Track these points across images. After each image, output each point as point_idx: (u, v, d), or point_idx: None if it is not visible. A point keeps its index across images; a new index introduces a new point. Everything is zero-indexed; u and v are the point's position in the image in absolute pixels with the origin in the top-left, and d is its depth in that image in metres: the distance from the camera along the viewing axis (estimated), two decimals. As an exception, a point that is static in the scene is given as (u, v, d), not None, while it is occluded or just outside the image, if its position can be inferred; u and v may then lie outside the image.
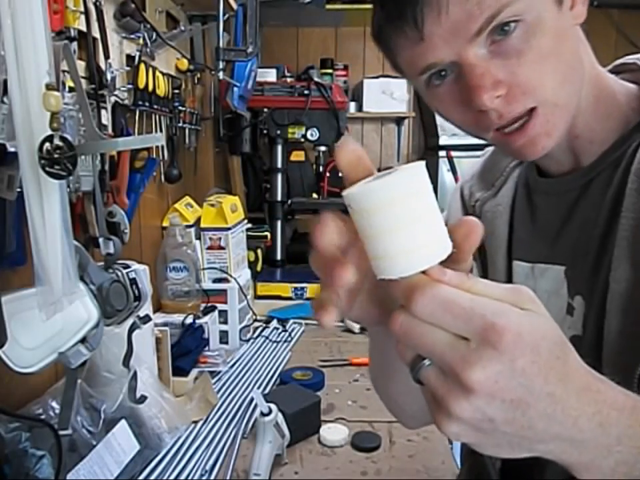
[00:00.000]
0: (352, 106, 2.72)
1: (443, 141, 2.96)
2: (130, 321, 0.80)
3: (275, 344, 1.67)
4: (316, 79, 2.20)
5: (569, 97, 0.55)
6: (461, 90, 0.54)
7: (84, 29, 1.04)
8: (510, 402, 0.34)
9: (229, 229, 1.67)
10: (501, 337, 0.33)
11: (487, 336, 0.33)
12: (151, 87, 1.37)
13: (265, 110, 2.16)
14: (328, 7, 2.50)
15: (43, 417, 0.83)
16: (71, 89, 0.83)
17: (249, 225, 1.94)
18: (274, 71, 2.50)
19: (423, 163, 0.36)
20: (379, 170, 0.42)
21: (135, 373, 0.86)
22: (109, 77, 1.12)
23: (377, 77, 2.76)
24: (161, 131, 1.51)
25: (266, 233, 2.11)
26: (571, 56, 0.55)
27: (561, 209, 0.63)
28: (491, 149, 0.77)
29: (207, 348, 1.46)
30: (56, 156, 0.53)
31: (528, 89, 0.53)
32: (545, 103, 0.54)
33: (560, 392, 0.35)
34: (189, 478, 0.98)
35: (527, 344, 0.34)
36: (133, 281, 0.76)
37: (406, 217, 0.35)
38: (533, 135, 0.55)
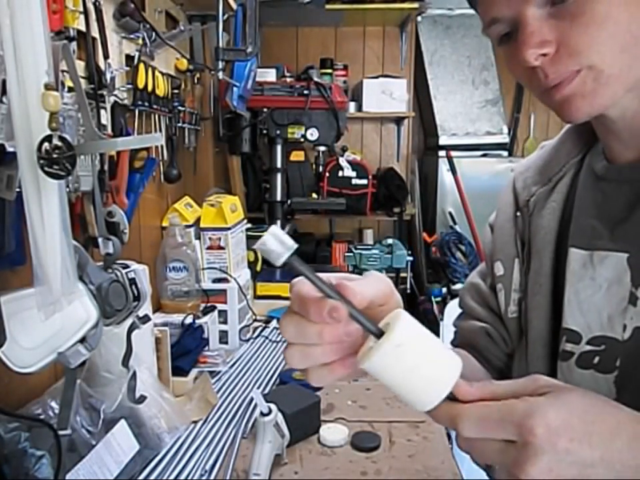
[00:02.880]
0: (352, 106, 2.73)
1: (442, 141, 2.97)
2: (129, 321, 0.80)
3: (274, 344, 1.66)
4: (315, 79, 2.20)
5: (627, 67, 0.54)
6: (515, 47, 0.56)
7: (83, 28, 1.03)
8: None
9: (228, 228, 1.67)
10: (534, 433, 0.39)
11: (524, 437, 0.39)
12: (150, 87, 1.37)
13: (265, 110, 2.16)
14: (328, 6, 2.51)
15: (42, 416, 0.83)
16: (70, 89, 0.83)
17: (249, 225, 1.94)
18: (273, 70, 2.50)
19: (399, 311, 0.43)
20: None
21: (135, 373, 0.86)
22: (108, 76, 1.12)
23: (376, 77, 2.77)
24: (161, 130, 1.51)
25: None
26: (637, 26, 0.53)
27: (630, 196, 0.61)
28: (551, 142, 0.75)
29: (206, 348, 1.46)
30: (55, 156, 0.53)
31: (575, 52, 0.53)
32: (591, 68, 0.54)
33: (610, 452, 0.39)
34: (189, 478, 0.98)
35: (558, 427, 0.39)
36: (132, 281, 0.76)
37: (414, 363, 0.41)
38: (567, 94, 0.55)
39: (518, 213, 0.72)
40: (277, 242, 0.42)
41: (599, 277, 0.62)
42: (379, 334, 0.42)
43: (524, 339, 0.69)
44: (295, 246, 0.42)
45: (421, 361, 0.41)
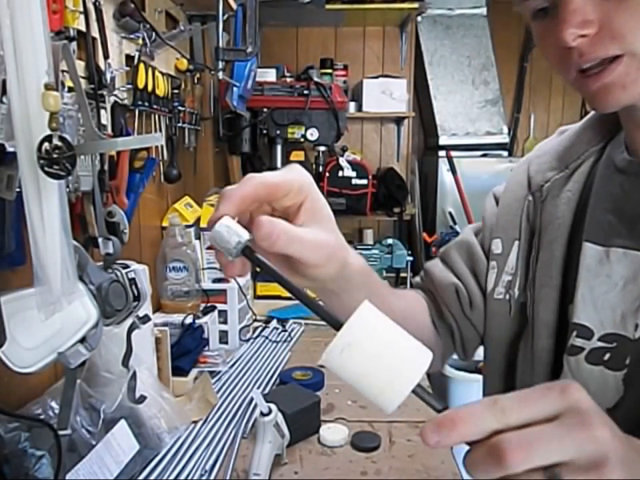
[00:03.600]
0: (351, 106, 2.72)
1: (442, 141, 2.96)
2: (129, 321, 0.80)
3: (274, 344, 1.66)
4: (315, 79, 2.20)
5: None
6: (554, 24, 0.52)
7: (83, 28, 1.03)
8: None
9: (228, 228, 1.67)
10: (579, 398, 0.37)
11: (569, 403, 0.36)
12: (150, 87, 1.37)
13: (265, 110, 2.16)
14: (328, 6, 2.51)
15: (42, 416, 0.83)
16: (70, 89, 0.83)
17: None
18: (273, 70, 2.50)
19: (363, 303, 0.41)
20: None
21: (135, 373, 0.86)
22: (108, 76, 1.12)
23: (376, 77, 2.77)
24: (161, 130, 1.51)
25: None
26: None
27: None
28: (572, 128, 0.72)
29: (206, 348, 1.46)
30: (55, 156, 0.53)
31: (618, 35, 0.50)
32: (633, 54, 0.51)
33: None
34: (189, 478, 0.98)
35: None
36: (132, 281, 0.76)
37: (369, 358, 0.38)
38: (607, 82, 0.52)
39: (530, 197, 0.70)
40: (228, 234, 0.41)
41: (614, 275, 0.60)
42: (338, 327, 0.40)
43: (529, 328, 0.68)
44: (247, 237, 0.42)
45: (377, 356, 0.38)
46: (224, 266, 0.45)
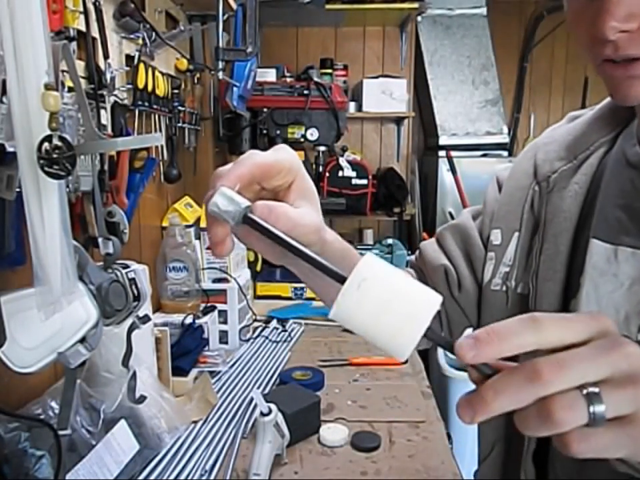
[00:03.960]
0: (351, 106, 2.72)
1: (442, 141, 2.96)
2: (129, 321, 0.80)
3: (274, 344, 1.66)
4: (315, 79, 2.20)
5: None
6: (593, 9, 0.49)
7: (83, 28, 1.03)
8: None
9: (228, 228, 1.67)
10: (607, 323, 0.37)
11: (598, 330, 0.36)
12: (150, 87, 1.37)
13: (265, 110, 2.16)
14: (328, 6, 2.51)
15: (42, 416, 0.83)
16: (70, 89, 0.83)
17: (249, 225, 1.94)
18: (273, 70, 2.50)
19: (368, 256, 0.40)
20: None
21: (135, 373, 0.86)
22: (108, 76, 1.12)
23: (376, 77, 2.77)
24: (161, 130, 1.51)
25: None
26: None
27: None
28: (583, 116, 0.69)
29: (206, 348, 1.46)
30: (55, 156, 0.52)
31: None
32: None
33: None
34: (189, 478, 0.98)
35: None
36: (132, 281, 0.76)
37: (381, 301, 0.38)
38: (634, 75, 0.50)
39: (536, 187, 0.68)
40: (229, 201, 0.41)
41: (621, 274, 0.59)
42: (343, 281, 0.39)
43: None
44: (248, 203, 0.42)
45: (388, 298, 0.38)
46: (213, 243, 0.44)
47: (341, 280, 0.39)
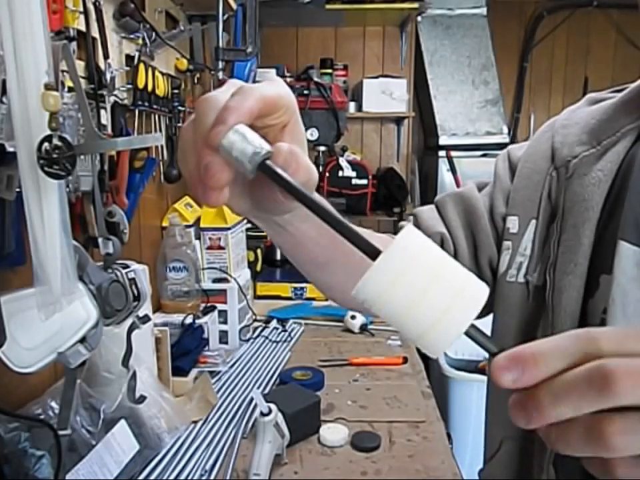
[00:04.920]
0: (351, 106, 2.72)
1: (442, 140, 2.96)
2: (129, 321, 0.80)
3: (274, 344, 1.66)
4: (315, 79, 2.20)
5: None
6: None
7: (83, 28, 1.04)
8: None
9: (228, 228, 1.67)
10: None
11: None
12: (150, 87, 1.37)
13: (265, 110, 2.16)
14: (328, 6, 2.51)
15: (42, 416, 0.83)
16: (70, 89, 0.83)
17: (249, 225, 1.94)
18: (273, 71, 2.50)
19: (404, 225, 0.34)
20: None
21: (134, 373, 0.86)
22: (108, 76, 1.12)
23: (376, 77, 2.77)
24: (161, 130, 1.51)
25: (265, 233, 2.11)
26: None
27: None
28: (607, 100, 0.64)
29: (206, 348, 1.46)
30: (55, 156, 0.53)
31: None
32: None
33: None
34: (189, 478, 0.98)
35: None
36: (132, 281, 0.76)
37: (424, 283, 0.32)
38: None
39: (553, 173, 0.63)
40: (247, 143, 0.35)
41: None
42: (375, 254, 0.33)
43: (549, 317, 0.62)
44: (269, 147, 0.35)
45: (429, 281, 0.32)
46: (211, 188, 0.36)
47: (374, 253, 0.33)
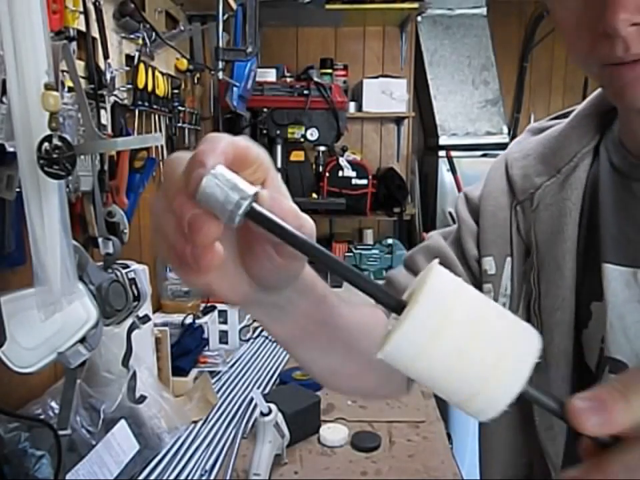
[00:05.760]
0: (351, 106, 2.72)
1: (442, 141, 2.96)
2: (129, 321, 0.80)
3: (274, 344, 1.66)
4: (315, 79, 2.20)
5: None
6: (593, 2, 0.42)
7: (83, 28, 1.03)
8: None
9: (228, 228, 1.67)
10: None
11: None
12: (150, 87, 1.37)
13: (265, 110, 2.16)
14: (328, 6, 2.50)
15: (42, 416, 0.83)
16: (70, 89, 0.83)
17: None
18: (273, 70, 2.50)
19: (432, 266, 0.29)
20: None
21: (135, 373, 0.86)
22: (108, 76, 1.12)
23: (376, 77, 2.77)
24: (161, 130, 1.51)
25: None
26: None
27: None
28: (556, 128, 0.63)
29: (206, 348, 1.46)
30: (55, 156, 0.53)
31: None
32: None
33: None
34: (189, 478, 0.98)
35: None
36: (132, 281, 0.76)
37: (465, 340, 0.27)
38: None
39: (518, 207, 0.62)
40: (230, 187, 0.29)
41: None
42: (400, 307, 0.28)
43: (542, 355, 0.59)
44: (256, 189, 0.30)
45: (471, 334, 0.27)
46: (204, 248, 0.32)
47: (399, 305, 0.28)
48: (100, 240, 0.78)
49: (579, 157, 0.59)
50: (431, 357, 0.27)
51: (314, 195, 2.57)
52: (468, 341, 0.27)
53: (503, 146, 3.04)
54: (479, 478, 0.71)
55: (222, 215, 0.29)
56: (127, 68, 1.28)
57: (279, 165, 2.26)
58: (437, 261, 0.30)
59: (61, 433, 0.72)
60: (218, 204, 0.29)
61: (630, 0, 0.40)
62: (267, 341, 1.69)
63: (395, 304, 0.29)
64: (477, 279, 0.66)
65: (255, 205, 0.30)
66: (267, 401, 1.00)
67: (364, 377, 0.59)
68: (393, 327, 0.29)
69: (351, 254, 2.48)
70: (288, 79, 2.53)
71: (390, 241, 2.51)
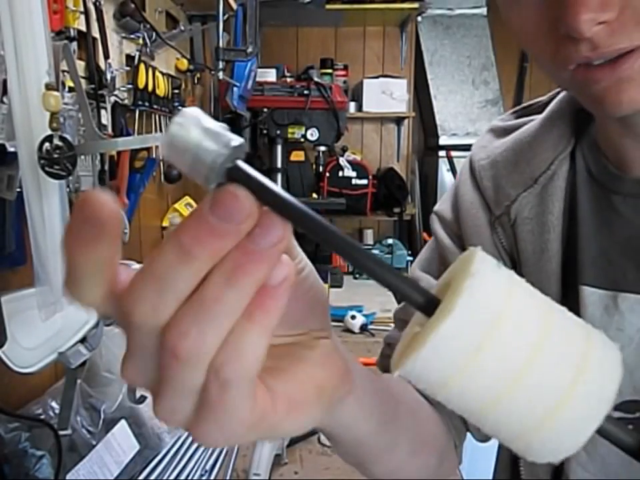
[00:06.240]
0: (352, 106, 2.72)
1: (442, 141, 2.96)
2: (130, 321, 0.80)
3: (274, 344, 1.66)
4: (316, 79, 2.20)
5: None
6: (553, 2, 0.38)
7: (84, 28, 1.04)
8: None
9: (228, 228, 1.67)
10: None
11: None
12: (150, 87, 1.37)
13: (265, 110, 2.16)
14: (328, 6, 2.51)
15: (42, 417, 0.83)
16: (71, 89, 0.83)
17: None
18: (274, 70, 2.50)
19: (472, 252, 0.22)
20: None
21: (135, 373, 0.86)
22: (108, 76, 1.12)
23: (376, 77, 2.77)
24: (161, 130, 1.51)
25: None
26: None
27: None
28: (525, 131, 0.57)
29: (206, 348, 1.46)
30: (55, 156, 0.53)
31: None
32: None
33: None
34: (189, 478, 0.98)
35: None
36: (133, 281, 0.76)
37: (519, 359, 0.20)
38: (624, 77, 0.38)
39: (496, 225, 0.56)
40: (203, 134, 0.21)
41: (628, 327, 0.48)
42: (431, 306, 0.22)
43: None
44: (240, 140, 0.22)
45: (533, 346, 0.20)
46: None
47: (431, 303, 0.22)
48: (100, 240, 0.78)
49: (556, 164, 0.53)
50: (472, 377, 0.20)
51: (314, 195, 2.57)
52: (527, 356, 0.20)
53: (503, 146, 3.05)
54: (479, 478, 0.71)
55: (194, 172, 0.22)
56: (128, 68, 1.28)
57: (279, 165, 2.26)
58: (479, 248, 0.23)
59: (61, 433, 0.72)
60: (188, 157, 0.21)
61: None
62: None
63: (424, 301, 0.22)
64: None
65: (239, 162, 0.22)
66: (267, 401, 1.00)
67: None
68: (418, 331, 0.22)
69: (351, 254, 2.48)
70: (288, 79, 2.53)
71: (390, 241, 2.51)
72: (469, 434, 0.58)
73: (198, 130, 0.21)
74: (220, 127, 0.22)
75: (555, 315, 0.22)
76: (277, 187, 0.22)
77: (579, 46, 0.38)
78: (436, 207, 0.64)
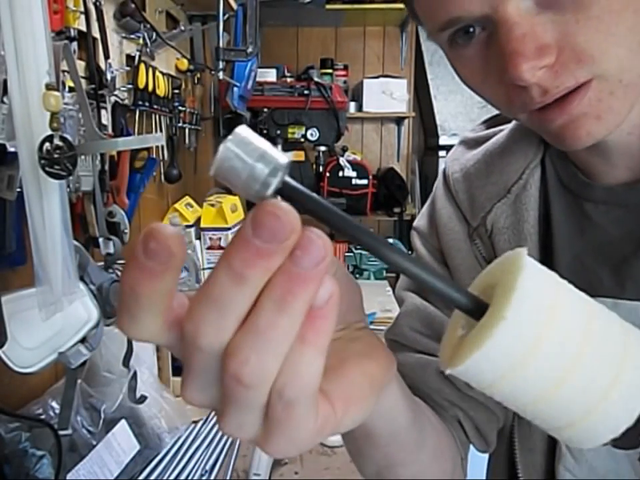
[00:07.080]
0: (352, 106, 2.72)
1: (442, 141, 2.96)
2: (130, 321, 0.80)
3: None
4: (316, 79, 2.20)
5: None
6: (494, 55, 0.40)
7: (84, 28, 1.04)
8: None
9: (229, 228, 1.67)
10: None
11: None
12: (150, 87, 1.37)
13: (265, 110, 2.16)
14: (328, 6, 2.51)
15: (42, 417, 0.83)
16: (71, 89, 0.83)
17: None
18: (274, 70, 2.50)
19: (517, 252, 0.24)
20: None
21: (135, 373, 0.86)
22: (108, 76, 1.12)
23: (376, 77, 2.77)
24: (161, 130, 1.51)
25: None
26: None
27: (633, 226, 0.48)
28: (495, 142, 0.58)
29: (206, 348, 1.46)
30: (56, 156, 0.53)
31: (585, 57, 0.38)
32: (605, 77, 0.38)
33: None
34: (189, 478, 0.98)
35: None
36: (133, 281, 0.76)
37: (568, 355, 0.22)
38: (576, 114, 0.39)
39: (475, 237, 0.56)
40: (254, 153, 0.22)
41: None
42: (479, 310, 0.23)
43: None
44: (287, 159, 0.23)
45: (580, 343, 0.22)
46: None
47: (479, 307, 0.23)
48: (101, 240, 0.78)
49: (528, 173, 0.54)
50: (524, 375, 0.22)
51: (314, 195, 2.57)
52: (576, 355, 0.22)
53: (503, 146, 3.05)
54: (479, 478, 0.70)
55: (246, 193, 0.23)
56: (128, 68, 1.28)
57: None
58: (525, 249, 0.24)
59: (61, 433, 0.72)
60: (239, 180, 0.22)
61: (528, 46, 0.37)
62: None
63: (471, 304, 0.23)
64: None
65: (288, 178, 0.23)
66: (268, 401, 1.00)
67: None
68: (469, 332, 0.24)
69: (351, 254, 2.48)
70: (288, 79, 2.53)
71: (390, 241, 2.50)
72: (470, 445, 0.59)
73: (249, 150, 0.22)
74: (269, 146, 0.23)
75: (600, 315, 0.24)
76: (324, 200, 0.24)
77: (530, 92, 0.39)
78: (415, 223, 0.65)
